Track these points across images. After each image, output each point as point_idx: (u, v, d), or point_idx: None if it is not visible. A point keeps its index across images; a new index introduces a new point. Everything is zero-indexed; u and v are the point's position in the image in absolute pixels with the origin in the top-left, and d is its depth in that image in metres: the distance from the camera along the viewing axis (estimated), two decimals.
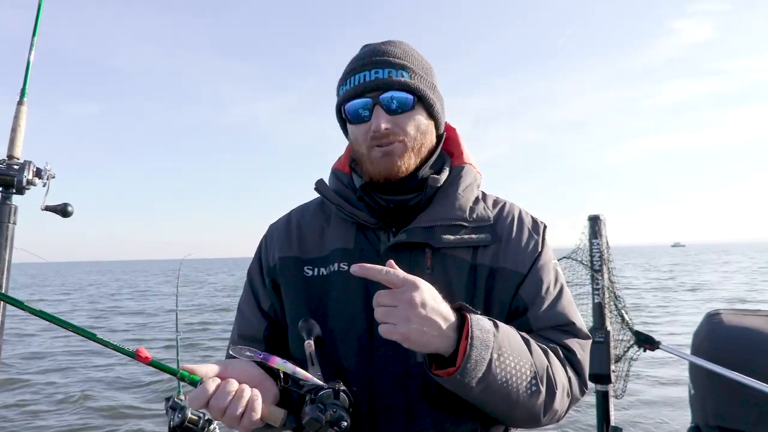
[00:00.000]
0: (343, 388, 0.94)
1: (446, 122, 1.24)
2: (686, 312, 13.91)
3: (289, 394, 0.99)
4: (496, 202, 1.23)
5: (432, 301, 0.93)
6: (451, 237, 1.12)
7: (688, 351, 1.98)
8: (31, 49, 1.36)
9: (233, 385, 0.91)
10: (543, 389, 1.01)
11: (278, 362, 0.94)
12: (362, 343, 1.08)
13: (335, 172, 1.25)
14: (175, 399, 1.64)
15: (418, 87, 1.11)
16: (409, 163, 1.11)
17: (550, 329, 1.11)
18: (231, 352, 0.96)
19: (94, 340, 0.94)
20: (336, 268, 1.14)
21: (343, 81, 1.14)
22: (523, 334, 1.04)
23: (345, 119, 1.16)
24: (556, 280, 1.17)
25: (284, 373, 0.96)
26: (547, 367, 1.02)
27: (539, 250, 1.17)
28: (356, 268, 0.93)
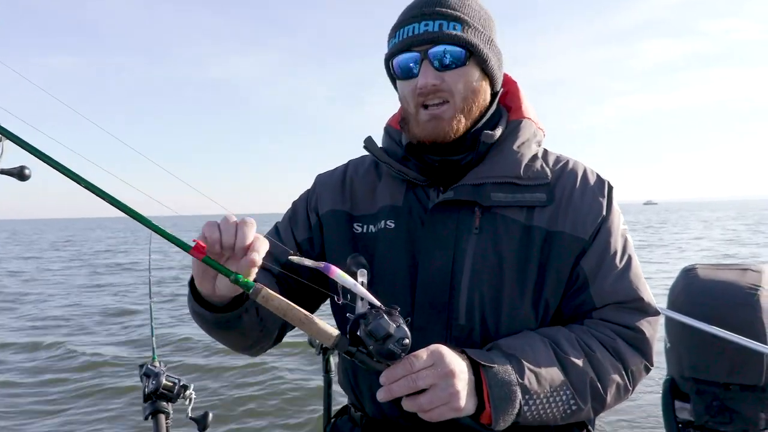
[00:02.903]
0: (400, 314, 0.89)
1: (506, 75, 1.17)
2: (661, 267, 14.24)
3: (342, 318, 0.95)
4: (558, 160, 1.15)
5: (459, 363, 0.89)
6: (502, 195, 1.05)
7: (664, 305, 2.01)
8: None
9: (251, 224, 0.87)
10: (587, 404, 0.98)
11: (338, 274, 0.89)
12: (405, 301, 1.04)
13: (387, 129, 1.21)
14: (149, 366, 1.60)
15: (470, 41, 1.02)
16: (458, 126, 1.05)
17: (615, 307, 1.05)
18: (291, 258, 0.90)
19: (149, 227, 0.86)
20: (383, 226, 1.11)
21: (393, 33, 1.06)
22: (564, 343, 0.99)
23: (393, 75, 1.09)
24: (624, 250, 1.08)
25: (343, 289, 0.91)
26: (591, 379, 0.98)
27: (603, 213, 1.08)
28: (382, 396, 0.87)
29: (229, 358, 6.63)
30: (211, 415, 1.57)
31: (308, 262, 0.90)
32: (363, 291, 0.89)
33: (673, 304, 1.95)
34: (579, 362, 0.98)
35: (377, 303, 0.89)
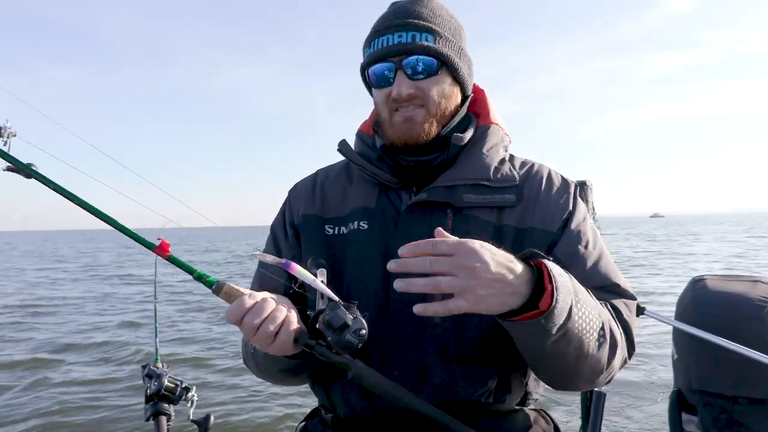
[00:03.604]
0: (357, 309, 0.93)
1: (474, 83, 1.22)
2: (670, 279, 14.14)
3: (303, 312, 0.97)
4: (524, 164, 1.20)
5: (494, 261, 0.82)
6: (474, 197, 1.09)
7: (672, 316, 1.99)
8: None
9: (270, 303, 0.89)
10: (608, 342, 0.97)
11: (298, 270, 0.92)
12: (378, 302, 1.06)
13: (360, 134, 1.24)
14: (152, 367, 1.60)
15: (442, 51, 1.06)
16: (430, 129, 1.09)
17: (593, 290, 1.05)
18: (254, 254, 0.94)
19: (114, 226, 0.91)
20: (356, 227, 1.13)
21: (368, 43, 1.10)
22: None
23: (369, 83, 1.14)
24: (595, 241, 1.13)
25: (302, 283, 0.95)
26: (609, 318, 0.99)
27: (569, 207, 1.13)
28: (403, 250, 0.83)
29: (229, 362, 6.63)
30: (212, 417, 1.56)
31: (269, 258, 0.93)
32: (322, 287, 0.93)
33: (681, 315, 1.93)
34: (599, 303, 0.99)
35: (336, 298, 0.92)
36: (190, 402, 1.56)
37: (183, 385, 1.56)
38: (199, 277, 0.90)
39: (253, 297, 0.89)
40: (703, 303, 1.87)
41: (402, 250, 0.84)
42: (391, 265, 0.84)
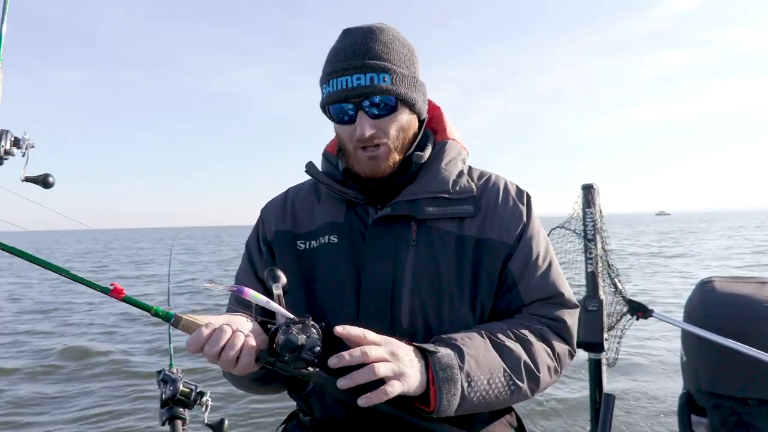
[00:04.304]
0: (312, 322, 0.96)
1: (431, 101, 1.27)
2: (678, 280, 14.07)
3: (265, 330, 1.02)
4: (481, 175, 1.26)
5: (406, 347, 1.00)
6: (434, 209, 1.15)
7: (680, 318, 1.99)
8: (3, 16, 1.29)
9: (227, 331, 0.93)
10: (524, 383, 1.08)
11: (251, 294, 0.96)
12: (350, 310, 1.12)
13: (326, 155, 1.29)
14: (167, 372, 1.62)
15: (399, 92, 1.11)
16: (393, 161, 1.15)
17: (539, 302, 1.17)
18: (206, 285, 0.98)
19: (68, 276, 0.95)
20: (326, 241, 1.19)
21: (326, 80, 1.13)
22: (498, 332, 1.09)
23: (330, 117, 1.18)
24: (546, 252, 1.21)
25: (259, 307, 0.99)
26: (524, 361, 1.08)
27: (524, 219, 1.19)
28: (339, 330, 0.96)
29: None
30: (227, 422, 1.58)
31: (222, 287, 0.98)
32: (276, 306, 0.97)
33: (689, 317, 1.93)
34: (513, 347, 1.08)
35: (290, 315, 0.97)
36: (204, 406, 1.58)
37: (198, 390, 1.58)
38: (156, 314, 0.94)
39: (210, 326, 0.93)
40: (711, 305, 1.88)
41: (337, 330, 0.96)
42: (333, 361, 0.94)
